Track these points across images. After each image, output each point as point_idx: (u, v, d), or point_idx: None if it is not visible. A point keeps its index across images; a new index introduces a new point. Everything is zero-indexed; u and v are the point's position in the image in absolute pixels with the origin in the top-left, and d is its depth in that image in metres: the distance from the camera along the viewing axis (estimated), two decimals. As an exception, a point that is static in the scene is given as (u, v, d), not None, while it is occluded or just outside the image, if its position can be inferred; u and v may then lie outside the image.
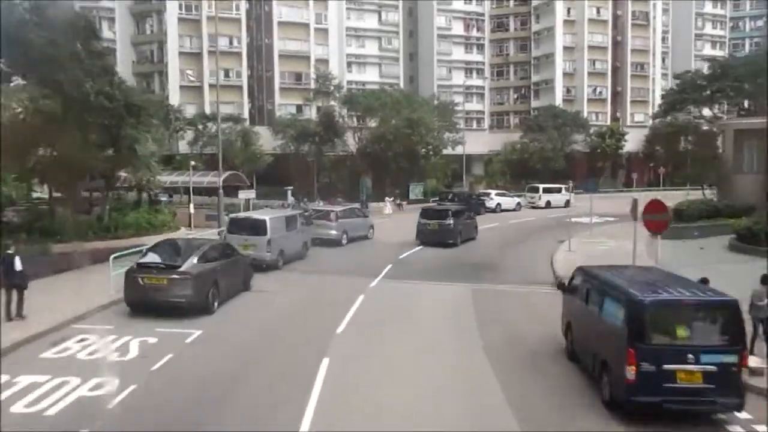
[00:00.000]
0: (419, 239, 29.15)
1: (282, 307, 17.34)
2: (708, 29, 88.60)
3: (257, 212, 25.42)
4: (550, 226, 40.22)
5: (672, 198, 33.88)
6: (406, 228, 37.43)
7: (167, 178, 33.02)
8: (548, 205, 52.10)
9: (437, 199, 45.55)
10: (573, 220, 43.67)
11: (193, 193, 33.07)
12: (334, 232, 28.01)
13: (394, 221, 41.57)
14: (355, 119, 51.27)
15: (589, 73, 70.95)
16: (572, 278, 13.70)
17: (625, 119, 72.30)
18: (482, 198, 47.32)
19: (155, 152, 27.51)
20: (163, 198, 33.02)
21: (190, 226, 31.11)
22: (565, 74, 71.27)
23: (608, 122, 71.23)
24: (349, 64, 68.77)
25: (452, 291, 19.92)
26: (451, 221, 28.91)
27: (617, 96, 73.46)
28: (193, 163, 31.68)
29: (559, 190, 53.79)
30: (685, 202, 33.65)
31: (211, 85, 56.43)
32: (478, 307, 17.64)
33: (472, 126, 76.06)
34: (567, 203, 54.08)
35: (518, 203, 50.38)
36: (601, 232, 34.39)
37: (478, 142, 70.22)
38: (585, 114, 68.18)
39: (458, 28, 74.84)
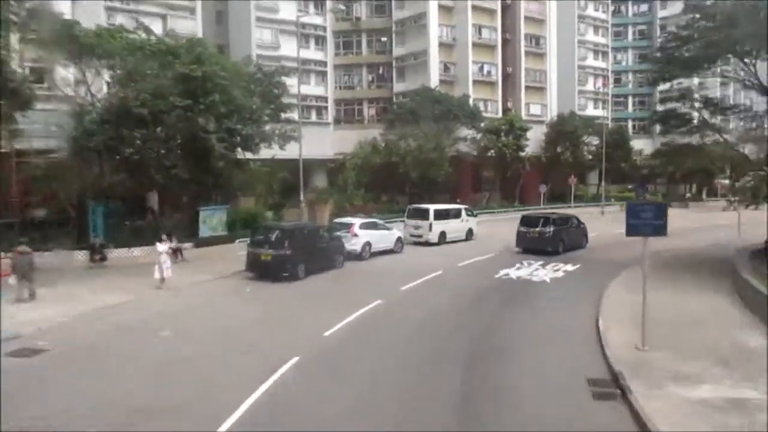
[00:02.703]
0: (520, 246, 29.83)
1: None
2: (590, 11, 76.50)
3: None
4: (489, 295, 20.60)
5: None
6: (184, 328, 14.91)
7: None
8: (443, 238, 32.78)
9: (250, 239, 23.14)
10: (515, 275, 24.18)
11: None
12: None
13: (157, 303, 18.69)
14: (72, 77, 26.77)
15: (475, 45, 53.15)
16: None
17: (519, 111, 55.46)
18: (339, 233, 26.14)
19: None
20: None
21: None
22: (441, 45, 52.87)
23: (499, 114, 53.84)
24: (109, 13, 43.98)
25: None
26: (551, 228, 29.12)
27: (508, 79, 56.64)
28: None
29: (458, 214, 34.58)
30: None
31: None
32: None
33: (310, 117, 54.71)
34: (470, 234, 35.31)
35: (399, 239, 29.83)
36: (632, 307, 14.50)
37: (320, 142, 49.45)
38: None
39: (287, -24, 53.27)
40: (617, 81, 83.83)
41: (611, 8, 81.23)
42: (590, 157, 59.38)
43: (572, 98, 69.11)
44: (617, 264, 26.67)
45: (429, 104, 46.39)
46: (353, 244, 26.82)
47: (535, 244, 29.22)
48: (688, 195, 65.87)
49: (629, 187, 69.72)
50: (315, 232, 24.17)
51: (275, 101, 37.09)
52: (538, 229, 29.47)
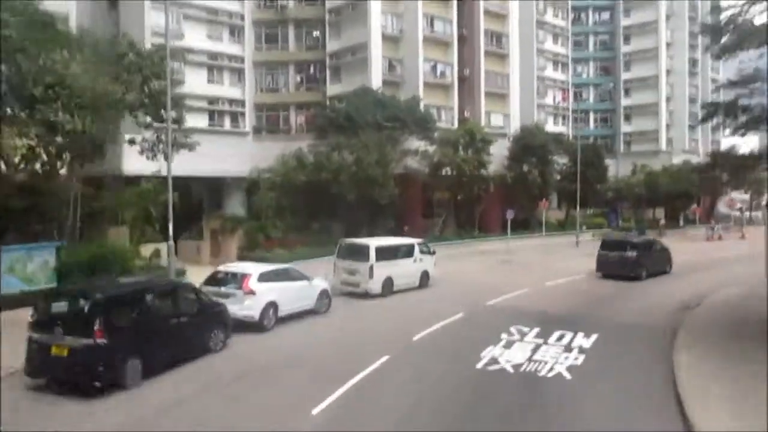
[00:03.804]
0: (600, 271, 29.31)
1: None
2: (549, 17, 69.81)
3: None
4: (477, 421, 10.37)
5: None
6: None
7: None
8: (389, 288, 23.51)
9: (33, 316, 12.78)
10: (508, 362, 15.08)
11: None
12: None
13: None
14: None
15: (426, 40, 44.56)
16: None
17: (478, 120, 46.94)
18: (224, 290, 16.45)
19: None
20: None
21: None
22: (385, 38, 44.01)
23: (454, 124, 45.28)
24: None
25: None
26: (633, 253, 28.59)
27: (465, 83, 48.22)
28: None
29: (409, 252, 25.34)
30: None
31: None
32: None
33: (223, 125, 44.99)
34: (425, 279, 26.23)
35: (323, 294, 20.28)
36: None
37: (235, 155, 39.63)
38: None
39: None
40: (578, 95, 77.34)
41: (571, 16, 74.98)
42: (559, 177, 51.57)
43: (531, 112, 61.68)
44: (651, 331, 18.35)
45: (370, 108, 37.30)
46: (247, 308, 17.12)
47: (616, 269, 28.65)
48: (662, 222, 58.84)
49: (598, 211, 62.50)
50: (171, 295, 14.21)
51: (157, 95, 27.20)
52: (620, 253, 28.96)
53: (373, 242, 24.18)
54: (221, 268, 18.51)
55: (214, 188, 43.01)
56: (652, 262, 29.52)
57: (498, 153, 46.20)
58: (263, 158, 40.42)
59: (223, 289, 17.32)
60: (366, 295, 23.15)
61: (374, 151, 35.01)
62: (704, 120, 22.88)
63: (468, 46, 48.14)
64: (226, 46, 45.35)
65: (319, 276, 21.09)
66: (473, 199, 45.32)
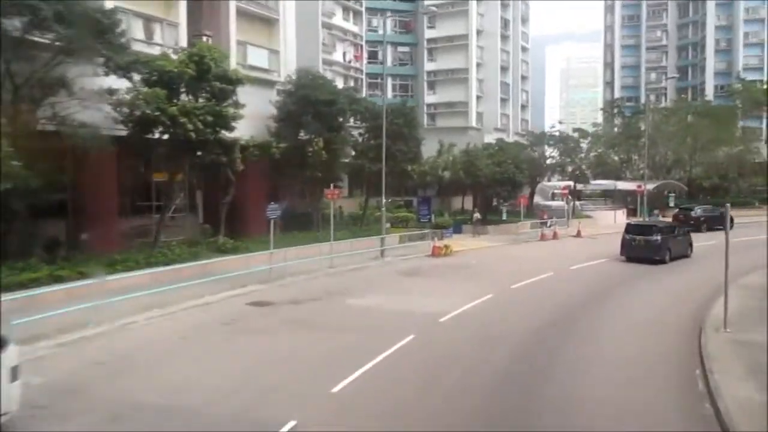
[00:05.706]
0: (625, 255, 29.76)
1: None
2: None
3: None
4: None
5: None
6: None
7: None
8: None
9: None
10: None
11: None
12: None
13: None
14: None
15: None
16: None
17: (225, 44, 28.65)
18: None
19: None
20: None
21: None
22: None
23: (178, 44, 26.79)
24: None
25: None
26: (658, 237, 29.28)
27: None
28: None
29: None
30: None
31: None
32: None
33: None
34: None
35: None
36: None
37: None
38: None
39: None
40: (373, 55, 62.98)
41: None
42: (353, 152, 35.82)
43: (315, 67, 45.43)
44: None
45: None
46: None
47: (641, 252, 28.92)
48: (476, 215, 46.35)
49: (399, 201, 48.47)
50: None
51: None
52: (645, 237, 29.26)
53: None
54: None
55: None
56: (675, 247, 29.95)
57: (259, 109, 28.94)
58: None
59: None
60: None
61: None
62: None
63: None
64: None
65: None
66: (221, 183, 27.59)
